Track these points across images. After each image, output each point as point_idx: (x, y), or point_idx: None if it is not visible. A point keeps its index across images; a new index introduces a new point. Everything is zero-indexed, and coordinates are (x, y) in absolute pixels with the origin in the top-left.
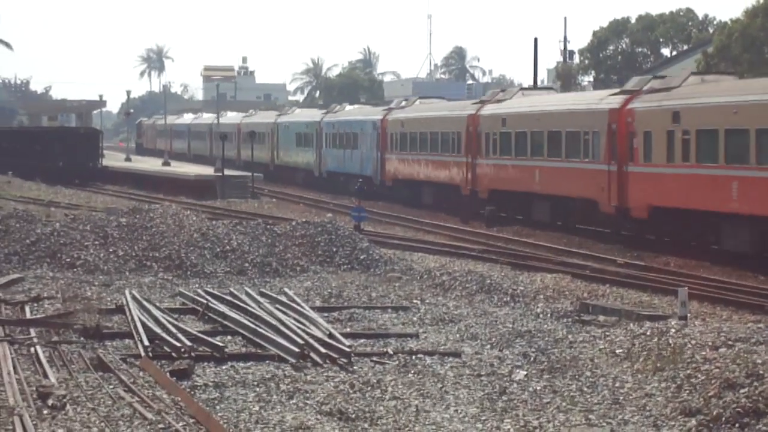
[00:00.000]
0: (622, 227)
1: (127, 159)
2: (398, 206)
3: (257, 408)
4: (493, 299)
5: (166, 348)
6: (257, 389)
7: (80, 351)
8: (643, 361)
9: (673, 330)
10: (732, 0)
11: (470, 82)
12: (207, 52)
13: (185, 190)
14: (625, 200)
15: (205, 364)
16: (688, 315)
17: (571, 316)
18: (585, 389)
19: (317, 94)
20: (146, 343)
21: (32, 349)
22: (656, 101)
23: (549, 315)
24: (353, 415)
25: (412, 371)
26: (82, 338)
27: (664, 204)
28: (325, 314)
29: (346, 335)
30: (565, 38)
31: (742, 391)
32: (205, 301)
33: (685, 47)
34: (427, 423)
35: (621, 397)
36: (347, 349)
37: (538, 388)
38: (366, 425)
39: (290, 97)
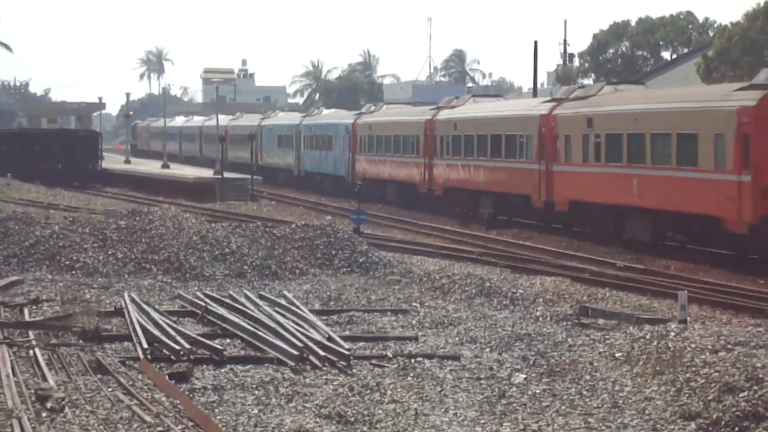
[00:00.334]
0: (549, 220)
1: (127, 161)
2: (366, 204)
3: (256, 411)
4: (493, 302)
5: (165, 351)
6: (256, 392)
7: (79, 353)
8: (643, 365)
9: (672, 333)
10: (732, 3)
11: (470, 84)
12: (207, 55)
13: (184, 193)
14: (551, 196)
15: (204, 366)
16: (688, 318)
17: (570, 319)
18: (584, 393)
19: (317, 96)
20: (145, 345)
21: (31, 352)
22: (575, 108)
23: (548, 318)
24: (352, 419)
25: (412, 374)
26: (80, 341)
27: (580, 198)
28: (324, 317)
29: (345, 338)
30: (565, 41)
31: (741, 395)
32: (204, 304)
33: (686, 50)
34: (426, 426)
35: (620, 401)
36: (346, 352)
37: (538, 391)
38: (365, 428)
39: (290, 100)
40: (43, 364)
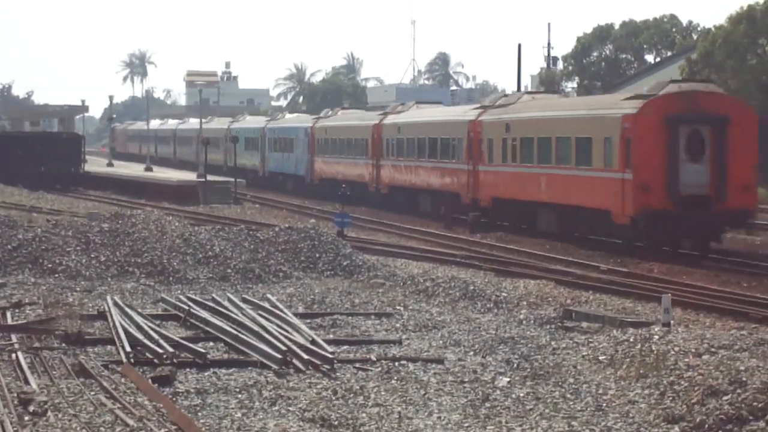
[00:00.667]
0: (475, 215)
1: (110, 164)
2: (325, 201)
3: (239, 414)
4: (477, 306)
5: (148, 354)
6: (239, 396)
7: (62, 357)
8: (627, 368)
9: (656, 337)
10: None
11: (454, 88)
12: (190, 57)
13: (168, 196)
14: (477, 193)
15: (187, 370)
16: (672, 322)
17: (554, 322)
18: (568, 396)
19: (300, 99)
20: (128, 349)
21: (13, 355)
22: (497, 115)
23: (532, 321)
24: (336, 422)
25: (395, 378)
26: (63, 344)
27: (500, 195)
28: (308, 320)
29: (328, 342)
30: (548, 44)
31: (725, 398)
32: (187, 308)
33: (669, 53)
34: (409, 430)
35: (604, 404)
36: (330, 356)
37: (521, 394)
38: None
39: (273, 103)
40: (25, 367)
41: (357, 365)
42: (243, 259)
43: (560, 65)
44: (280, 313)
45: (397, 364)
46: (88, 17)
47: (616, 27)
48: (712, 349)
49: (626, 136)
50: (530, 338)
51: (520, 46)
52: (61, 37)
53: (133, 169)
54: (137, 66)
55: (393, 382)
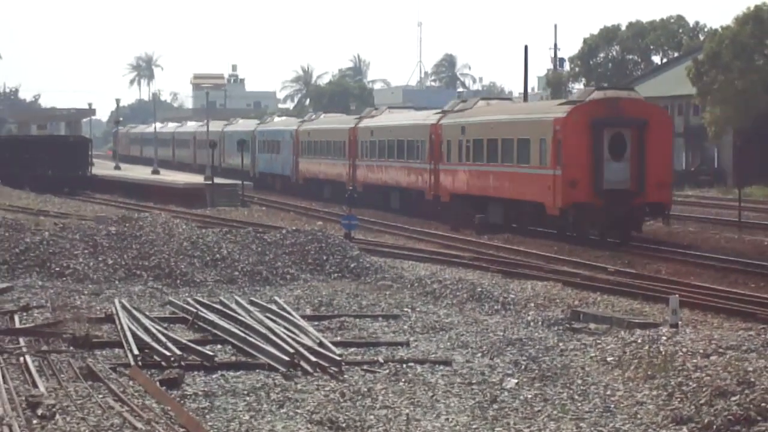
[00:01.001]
0: (436, 210)
1: (117, 167)
2: (307, 199)
3: (247, 417)
4: (484, 307)
5: (155, 357)
6: (247, 398)
7: (70, 360)
8: (634, 369)
9: (664, 338)
10: (722, 7)
11: (461, 89)
12: (197, 60)
13: (175, 199)
14: (437, 190)
15: (195, 373)
16: (679, 323)
17: (562, 324)
18: (576, 397)
19: (307, 101)
20: (136, 352)
21: (21, 359)
22: (454, 119)
23: (540, 323)
24: (344, 424)
25: (403, 380)
26: (71, 347)
27: (457, 191)
28: (316, 323)
29: (336, 344)
30: (555, 45)
31: (733, 398)
32: (194, 310)
33: (676, 54)
34: (417, 431)
35: (612, 405)
36: (338, 358)
37: (529, 396)
38: None
39: (280, 105)
40: (33, 371)
41: (365, 367)
42: (250, 262)
43: (567, 66)
44: (288, 316)
45: (404, 366)
46: (94, 21)
47: (623, 28)
48: (720, 350)
49: (557, 137)
50: (538, 340)
51: (526, 47)
52: (68, 41)
53: (140, 172)
54: (144, 69)
55: (401, 384)
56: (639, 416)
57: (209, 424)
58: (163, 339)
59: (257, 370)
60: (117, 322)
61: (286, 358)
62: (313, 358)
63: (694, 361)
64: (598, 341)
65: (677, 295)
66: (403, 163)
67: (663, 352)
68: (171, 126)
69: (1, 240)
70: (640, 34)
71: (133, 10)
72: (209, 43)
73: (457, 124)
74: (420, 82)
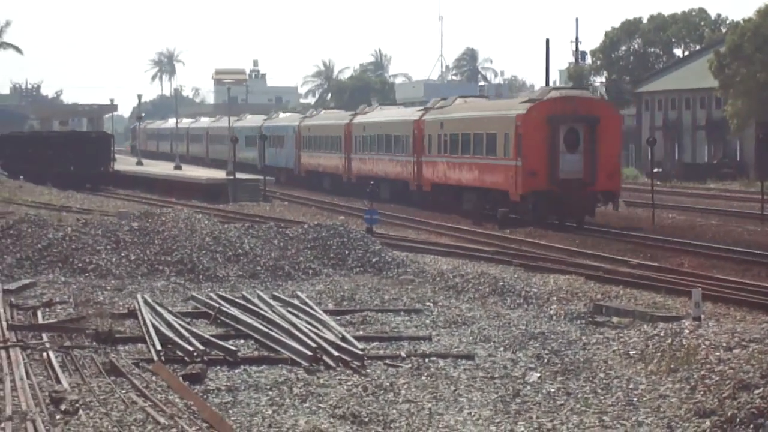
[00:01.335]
0: (420, 198)
1: (139, 163)
2: (308, 190)
3: (270, 412)
4: (506, 301)
5: (178, 352)
6: (270, 393)
7: (93, 356)
8: (657, 363)
9: (686, 331)
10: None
11: (482, 83)
12: (218, 56)
13: (197, 194)
14: (420, 180)
15: (218, 368)
16: (702, 316)
17: (584, 317)
18: (599, 391)
19: (329, 96)
20: (159, 347)
21: (44, 354)
22: (435, 115)
23: (562, 317)
24: (366, 419)
25: (425, 374)
26: (94, 343)
27: (438, 181)
28: (338, 317)
29: (358, 338)
30: (576, 39)
31: (756, 391)
32: (217, 305)
33: (698, 47)
34: (440, 426)
35: (635, 399)
36: (360, 353)
37: (552, 390)
38: (379, 429)
39: (302, 100)
40: (56, 366)
41: (387, 362)
42: (272, 257)
43: (588, 60)
44: (310, 310)
45: (427, 360)
46: (116, 16)
47: (645, 21)
48: (743, 343)
49: (519, 132)
50: (560, 333)
51: (548, 41)
52: (89, 37)
53: (162, 168)
54: (166, 65)
55: (423, 378)
56: (662, 410)
57: (232, 419)
58: (186, 334)
59: (280, 365)
60: (140, 317)
61: (309, 353)
62: (335, 353)
63: (717, 354)
64: (621, 335)
65: (700, 288)
66: (390, 156)
67: (686, 346)
68: (186, 122)
69: (24, 236)
70: (662, 27)
71: (155, 5)
72: (231, 39)
73: (437, 120)
74: (441, 76)
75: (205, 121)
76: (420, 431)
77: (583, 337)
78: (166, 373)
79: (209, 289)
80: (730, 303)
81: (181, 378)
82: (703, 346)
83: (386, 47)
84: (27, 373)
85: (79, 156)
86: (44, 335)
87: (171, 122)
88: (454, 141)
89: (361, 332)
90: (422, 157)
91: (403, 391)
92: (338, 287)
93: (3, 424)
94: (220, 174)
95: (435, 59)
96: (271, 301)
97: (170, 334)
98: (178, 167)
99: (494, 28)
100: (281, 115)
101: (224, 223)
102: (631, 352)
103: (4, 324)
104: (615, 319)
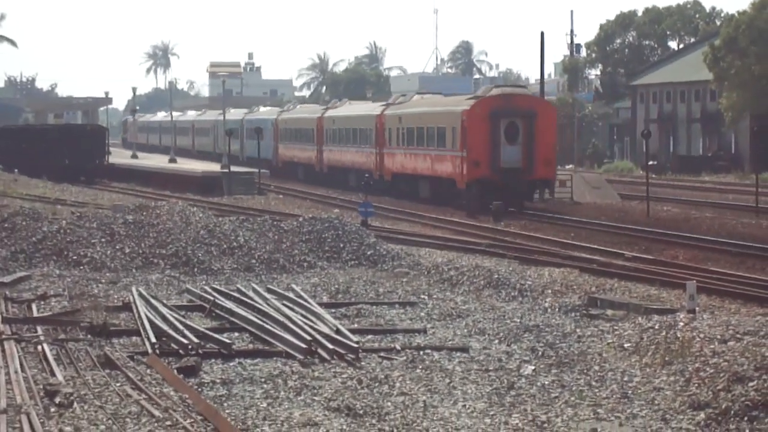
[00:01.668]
0: (382, 187)
1: (134, 156)
2: (284, 180)
3: (265, 404)
4: (501, 294)
5: (173, 345)
6: (265, 386)
7: (87, 349)
8: (652, 355)
9: (681, 323)
10: None
11: (477, 76)
12: (213, 49)
13: (192, 187)
14: (382, 170)
15: (213, 361)
16: (697, 308)
17: (579, 310)
18: (593, 383)
19: (323, 89)
20: (153, 340)
21: (39, 347)
22: (394, 110)
23: (557, 309)
24: (361, 411)
25: (420, 367)
26: (89, 336)
27: (398, 171)
28: (333, 310)
29: (353, 331)
30: (571, 32)
31: (750, 384)
32: (212, 298)
33: (692, 40)
34: (435, 418)
35: (629, 391)
36: (355, 345)
37: (546, 382)
38: (374, 421)
39: (297, 93)
40: (51, 359)
41: (382, 354)
42: (267, 250)
43: (583, 52)
44: (305, 303)
45: (421, 353)
46: (111, 9)
47: (639, 14)
48: (738, 336)
49: (464, 126)
50: (555, 326)
51: (543, 33)
52: (84, 30)
53: (157, 161)
54: (160, 58)
55: (418, 370)
56: (656, 402)
57: (227, 411)
58: (181, 327)
59: (274, 358)
60: (134, 310)
61: (304, 346)
62: (330, 346)
63: (712, 346)
64: (616, 327)
65: (695, 281)
66: (357, 147)
67: (680, 338)
68: (174, 115)
69: (19, 229)
70: (657, 19)
71: None
72: (226, 32)
73: (396, 115)
74: (436, 69)
75: (191, 114)
76: (414, 424)
77: (578, 330)
78: (160, 366)
79: (204, 282)
80: (724, 295)
81: (175, 371)
82: (698, 339)
83: (381, 40)
84: (21, 366)
85: (74, 149)
86: (39, 328)
87: (160, 115)
88: (411, 134)
89: (355, 325)
90: (384, 148)
91: (397, 384)
92: (333, 280)
93: None
94: (215, 167)
95: (430, 52)
96: (266, 294)
97: (165, 327)
98: (172, 160)
99: (489, 21)
100: (261, 108)
101: (219, 216)
102: (625, 345)
103: None
104: (609, 312)
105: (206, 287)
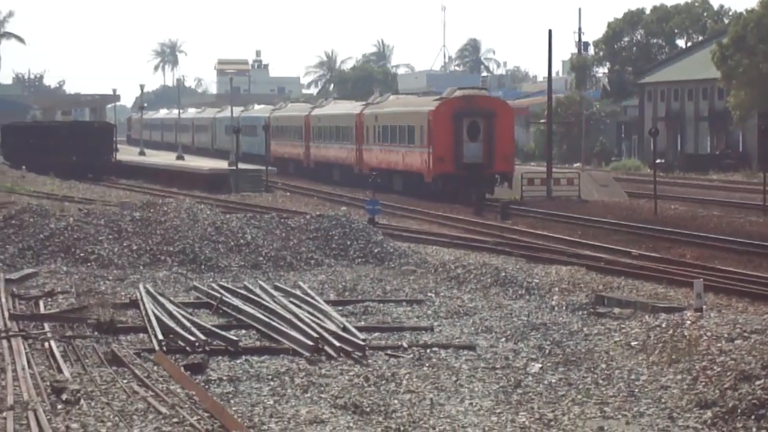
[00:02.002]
0: (362, 181)
1: (141, 153)
2: (276, 175)
3: (272, 402)
4: (508, 292)
5: (180, 342)
6: (272, 383)
7: (94, 345)
8: (659, 354)
9: (688, 322)
10: None
11: (485, 74)
12: (221, 46)
13: (199, 184)
14: (361, 165)
15: (220, 358)
16: (704, 307)
17: (586, 308)
18: (600, 382)
19: (331, 87)
20: (160, 337)
21: (46, 344)
22: (372, 109)
23: (564, 307)
24: (368, 409)
25: (427, 364)
26: (96, 333)
27: (374, 166)
28: (340, 308)
29: (360, 329)
30: (579, 30)
31: (758, 382)
32: (219, 295)
33: (700, 38)
34: (441, 416)
35: (636, 390)
36: (362, 343)
37: (553, 380)
38: (380, 419)
39: (304, 91)
40: (58, 356)
41: (389, 352)
42: (274, 247)
43: (591, 51)
44: (312, 301)
45: (428, 350)
46: (119, 6)
47: (647, 12)
48: (745, 334)
49: (430, 125)
50: (562, 324)
51: (550, 31)
52: (92, 27)
53: (165, 158)
54: (168, 55)
55: (425, 368)
56: (663, 400)
57: (234, 408)
58: (188, 324)
59: (281, 355)
60: (141, 307)
61: (310, 343)
62: (337, 343)
63: (719, 345)
64: (623, 326)
65: (702, 279)
66: (340, 144)
67: (687, 337)
68: (175, 113)
69: (26, 226)
70: (665, 17)
71: None
72: (233, 29)
73: (373, 114)
74: (444, 66)
75: (191, 112)
76: (421, 421)
77: (585, 328)
78: (167, 363)
79: (211, 279)
80: (731, 294)
81: (182, 368)
82: (705, 337)
83: (389, 38)
84: (29, 362)
85: (82, 146)
86: (46, 325)
87: (162, 113)
88: (386, 132)
89: (362, 323)
90: (363, 145)
91: (404, 382)
92: (340, 278)
93: (5, 414)
94: (222, 164)
95: (438, 50)
96: (273, 292)
97: (172, 324)
98: (180, 157)
99: (497, 18)
100: (255, 107)
101: (226, 213)
102: (632, 343)
103: (6, 314)
104: (616, 310)
105: (213, 284)
